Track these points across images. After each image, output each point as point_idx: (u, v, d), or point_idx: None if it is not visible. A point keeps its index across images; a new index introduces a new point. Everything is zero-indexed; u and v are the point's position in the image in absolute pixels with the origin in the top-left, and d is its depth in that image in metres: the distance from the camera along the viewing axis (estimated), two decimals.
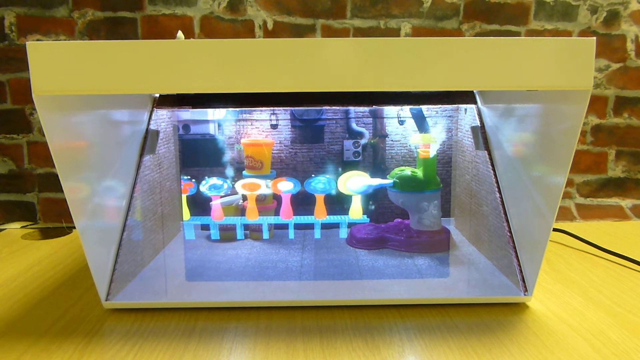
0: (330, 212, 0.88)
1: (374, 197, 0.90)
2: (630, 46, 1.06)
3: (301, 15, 1.02)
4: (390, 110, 0.91)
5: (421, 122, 0.87)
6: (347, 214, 0.89)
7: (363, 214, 0.88)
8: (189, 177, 0.88)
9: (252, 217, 0.87)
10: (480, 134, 0.75)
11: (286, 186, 0.85)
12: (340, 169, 0.89)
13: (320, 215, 0.86)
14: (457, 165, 0.89)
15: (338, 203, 0.88)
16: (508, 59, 0.51)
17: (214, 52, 0.50)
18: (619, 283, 0.73)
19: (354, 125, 0.92)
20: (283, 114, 0.91)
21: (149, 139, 0.74)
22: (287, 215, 0.86)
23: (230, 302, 0.64)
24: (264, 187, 0.86)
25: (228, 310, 0.63)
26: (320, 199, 0.86)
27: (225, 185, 0.86)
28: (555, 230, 0.97)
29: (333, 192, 0.86)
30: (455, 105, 0.86)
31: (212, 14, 1.01)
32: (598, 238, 0.92)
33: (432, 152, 0.84)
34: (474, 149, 0.79)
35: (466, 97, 0.76)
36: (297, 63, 0.51)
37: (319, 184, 0.85)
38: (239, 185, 0.86)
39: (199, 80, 0.51)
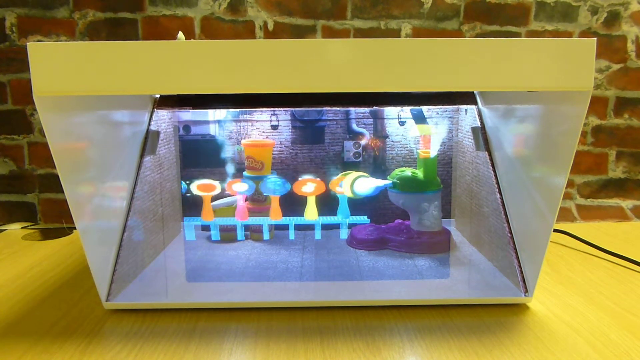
0: (328, 212, 0.88)
1: (370, 198, 0.90)
2: (630, 47, 1.06)
3: (302, 16, 1.02)
4: (390, 111, 0.91)
5: (421, 123, 0.87)
6: (348, 216, 0.89)
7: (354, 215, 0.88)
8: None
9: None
10: (481, 134, 0.75)
11: (241, 187, 0.86)
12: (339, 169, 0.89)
13: (275, 217, 0.87)
14: (458, 166, 0.89)
15: (335, 204, 0.88)
16: (508, 60, 0.51)
17: (215, 53, 0.50)
18: (620, 284, 0.73)
19: (354, 126, 0.92)
20: (283, 115, 0.91)
21: (149, 140, 0.74)
22: (242, 217, 0.87)
23: (230, 303, 0.64)
24: (219, 188, 0.87)
25: (228, 311, 0.63)
26: (275, 200, 0.87)
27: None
28: (555, 231, 0.97)
29: (286, 192, 0.86)
30: (456, 106, 0.86)
31: (213, 15, 1.01)
32: (598, 239, 0.92)
33: (433, 152, 0.84)
34: (475, 150, 0.79)
35: (467, 97, 0.76)
36: (298, 64, 0.51)
37: (273, 184, 0.85)
38: (194, 187, 0.87)
39: (200, 81, 0.51)
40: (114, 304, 0.63)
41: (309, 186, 0.86)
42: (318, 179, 0.86)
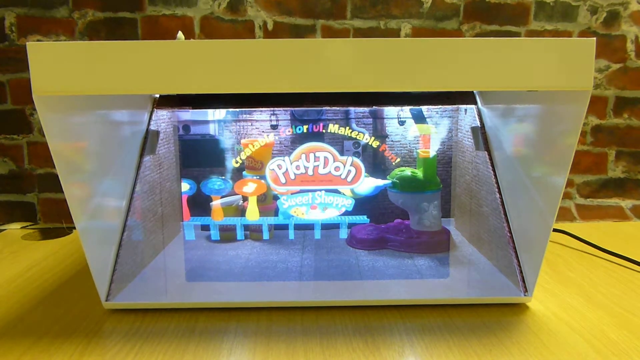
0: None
1: (370, 198, 0.90)
2: (630, 47, 1.06)
3: (301, 15, 1.02)
4: (390, 111, 0.91)
5: (421, 123, 0.87)
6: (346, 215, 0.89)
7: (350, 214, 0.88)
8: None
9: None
10: (481, 134, 0.75)
11: (182, 187, 0.86)
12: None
13: (217, 217, 0.87)
14: (457, 166, 0.89)
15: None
16: (508, 60, 0.51)
17: (214, 53, 0.50)
18: (619, 283, 0.73)
19: (354, 126, 0.92)
20: (283, 115, 0.91)
21: (149, 140, 0.74)
22: (184, 217, 0.87)
23: (230, 303, 0.64)
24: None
25: (228, 310, 0.63)
26: (216, 199, 0.87)
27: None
28: (555, 230, 0.97)
29: (228, 192, 0.86)
30: (455, 106, 0.86)
31: (212, 15, 1.01)
32: (598, 238, 0.92)
33: (432, 152, 0.84)
34: (474, 150, 0.80)
35: (466, 97, 0.76)
36: (297, 64, 0.51)
37: (215, 184, 0.86)
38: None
39: (199, 81, 0.51)
40: (113, 304, 0.63)
41: (249, 186, 0.86)
42: (258, 178, 0.86)
